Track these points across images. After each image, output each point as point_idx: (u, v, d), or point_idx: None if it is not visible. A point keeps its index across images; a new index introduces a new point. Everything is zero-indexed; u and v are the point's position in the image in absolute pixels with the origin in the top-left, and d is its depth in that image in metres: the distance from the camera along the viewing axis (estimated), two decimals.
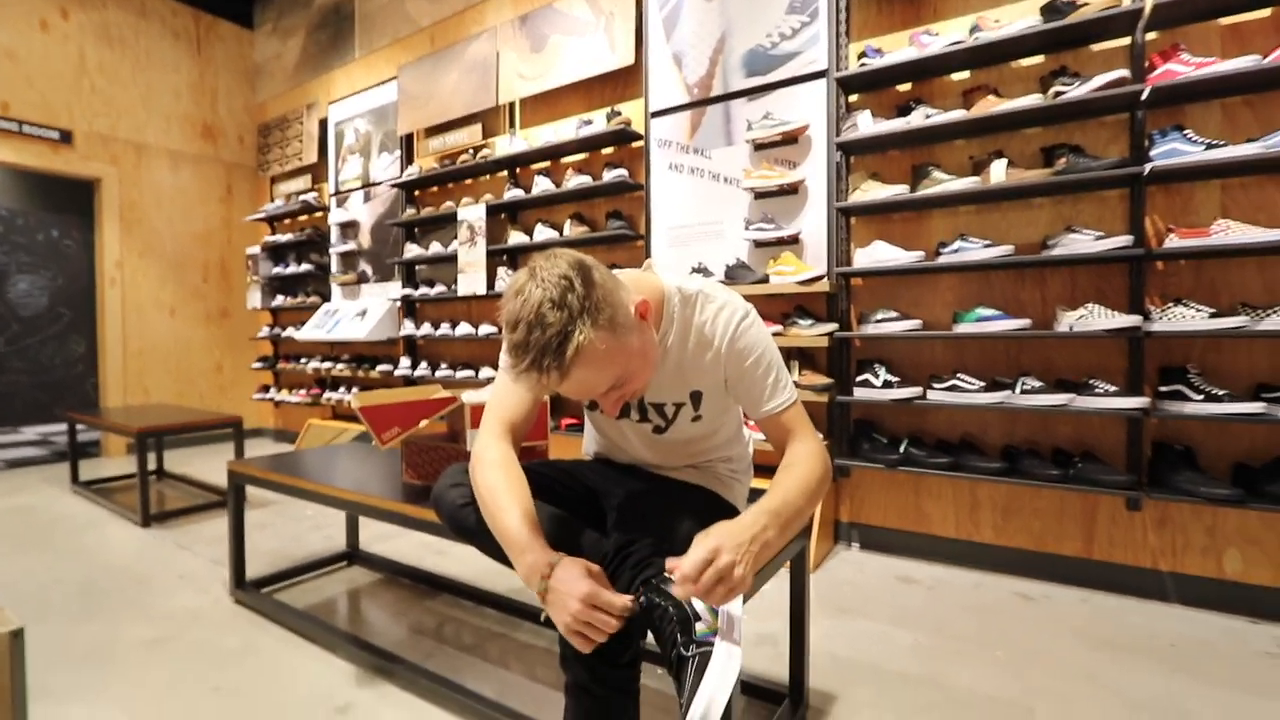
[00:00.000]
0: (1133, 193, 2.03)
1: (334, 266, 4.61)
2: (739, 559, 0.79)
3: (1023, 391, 2.07)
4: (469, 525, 1.06)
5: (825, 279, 2.49)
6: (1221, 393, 1.83)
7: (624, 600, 0.83)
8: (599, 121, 3.13)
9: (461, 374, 3.66)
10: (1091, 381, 2.01)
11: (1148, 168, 1.87)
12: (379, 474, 1.85)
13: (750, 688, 1.45)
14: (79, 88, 4.39)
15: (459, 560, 2.34)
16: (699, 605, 0.84)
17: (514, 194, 3.41)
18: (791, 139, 2.61)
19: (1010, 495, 2.26)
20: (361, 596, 2.10)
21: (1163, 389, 1.95)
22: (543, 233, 3.33)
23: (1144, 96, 1.91)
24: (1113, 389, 1.98)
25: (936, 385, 2.23)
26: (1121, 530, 2.09)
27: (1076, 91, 1.98)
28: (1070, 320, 2.02)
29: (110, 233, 4.53)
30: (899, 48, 2.37)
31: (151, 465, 3.80)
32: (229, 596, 2.05)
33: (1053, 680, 1.54)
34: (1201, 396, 1.85)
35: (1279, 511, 1.79)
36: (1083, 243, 2.00)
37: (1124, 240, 1.95)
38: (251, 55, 5.37)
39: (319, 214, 4.82)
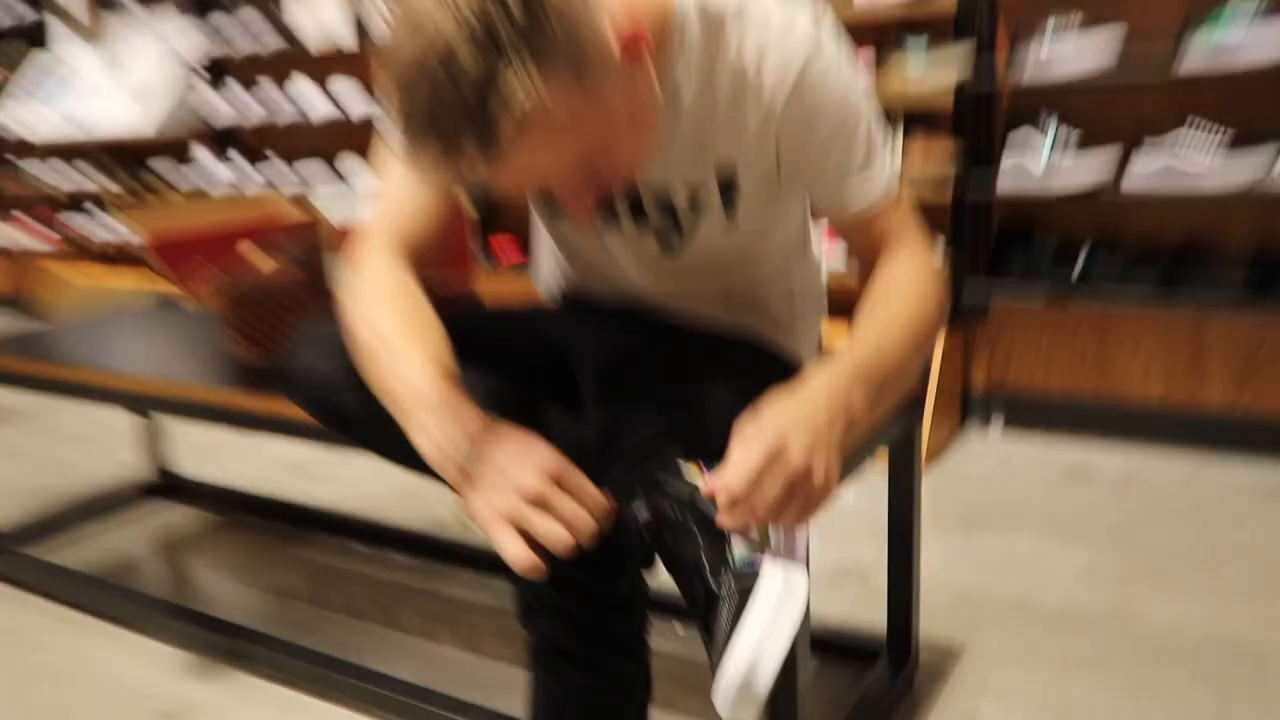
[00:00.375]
0: None
1: None
2: (816, 453, 0.79)
3: None
4: (353, 412, 1.07)
5: None
6: None
7: (602, 499, 0.84)
8: None
9: (310, 170, 3.69)
10: None
11: None
12: (192, 347, 1.87)
13: (824, 642, 1.55)
14: None
15: (342, 483, 2.44)
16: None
17: None
18: None
19: (1258, 334, 2.31)
20: (185, 546, 2.21)
21: None
22: None
23: None
24: None
25: (1142, 155, 2.22)
26: None
27: None
28: None
29: None
30: None
31: None
32: None
33: None
34: None
35: None
36: None
37: None
38: None
39: None
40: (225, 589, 2.01)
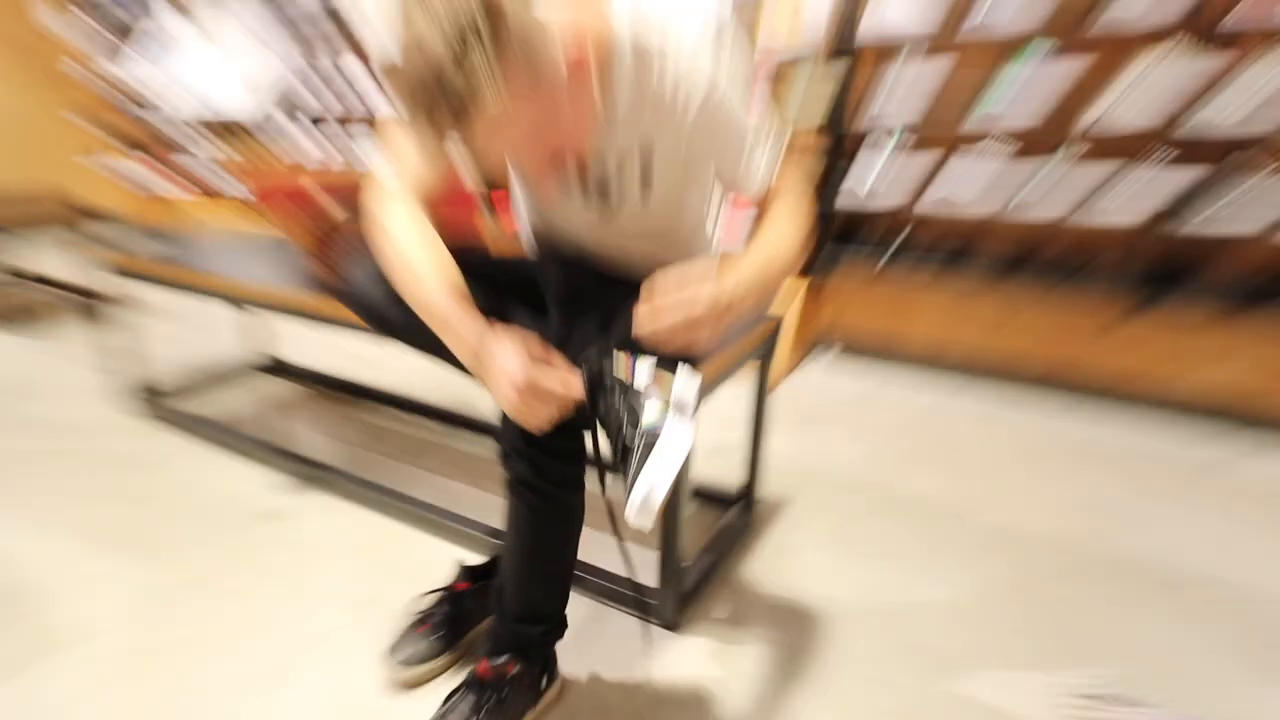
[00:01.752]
0: None
1: None
2: (712, 312, 0.86)
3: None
4: (388, 319, 1.09)
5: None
6: None
7: (567, 381, 0.88)
8: None
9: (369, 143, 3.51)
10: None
11: None
12: (287, 269, 1.87)
13: (699, 494, 1.67)
14: None
15: (394, 371, 2.49)
16: (651, 389, 0.89)
17: None
18: None
19: (1005, 302, 2.42)
20: (284, 408, 2.26)
21: None
22: None
23: None
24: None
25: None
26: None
27: None
28: None
29: None
30: None
31: None
32: (131, 406, 2.18)
33: (992, 483, 1.83)
34: None
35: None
36: None
37: None
38: None
39: None
40: (307, 437, 2.06)
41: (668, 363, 0.92)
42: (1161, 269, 2.17)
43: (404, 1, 0.75)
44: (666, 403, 0.89)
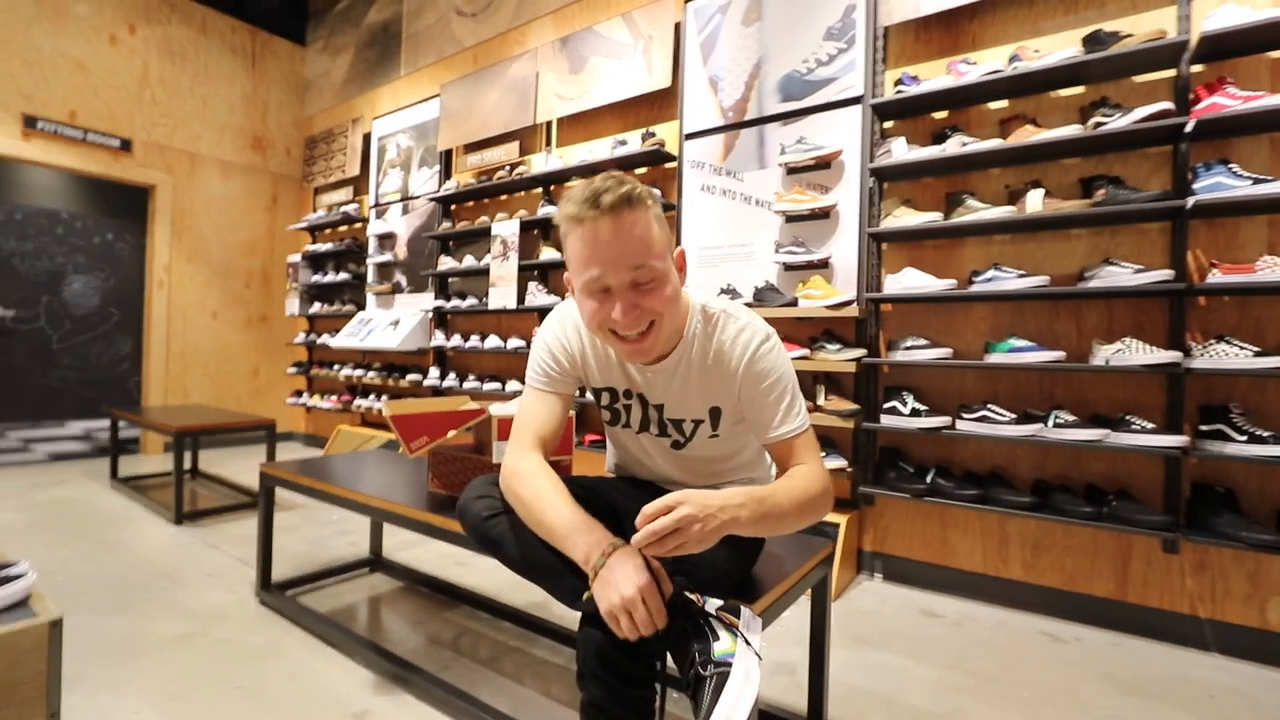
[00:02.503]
0: (1174, 226, 1.99)
1: (370, 276, 4.72)
2: (702, 518, 0.82)
3: (1055, 425, 2.02)
4: (493, 536, 1.07)
5: (854, 304, 2.47)
6: (1266, 434, 1.76)
7: (664, 612, 0.84)
8: (634, 142, 3.18)
9: (489, 386, 3.71)
10: (1128, 418, 1.96)
11: (1191, 201, 1.83)
12: (405, 482, 1.88)
13: (767, 715, 1.43)
14: (141, 99, 4.60)
15: (480, 573, 2.35)
16: (719, 625, 0.84)
17: (547, 210, 3.47)
18: (825, 164, 2.62)
19: (1041, 531, 2.19)
20: (382, 603, 2.12)
21: (1203, 428, 1.88)
22: None
23: (1188, 129, 1.87)
24: (1150, 426, 1.92)
25: (966, 415, 2.19)
26: (1157, 573, 2.01)
27: (1118, 123, 1.95)
28: (1107, 354, 1.97)
29: (161, 237, 4.72)
30: (936, 75, 2.37)
31: (187, 465, 3.90)
32: (254, 597, 2.09)
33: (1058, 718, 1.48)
34: (1245, 437, 1.78)
35: None
36: (1121, 275, 1.96)
37: (1164, 274, 1.90)
38: (302, 71, 5.58)
39: (358, 225, 4.95)
40: (402, 633, 1.90)
41: (733, 605, 0.88)
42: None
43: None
44: (735, 635, 0.83)
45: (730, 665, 0.80)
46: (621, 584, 0.82)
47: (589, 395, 1.21)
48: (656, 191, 0.94)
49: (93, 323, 4.54)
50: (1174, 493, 1.96)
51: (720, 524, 0.84)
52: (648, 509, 0.83)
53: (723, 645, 0.82)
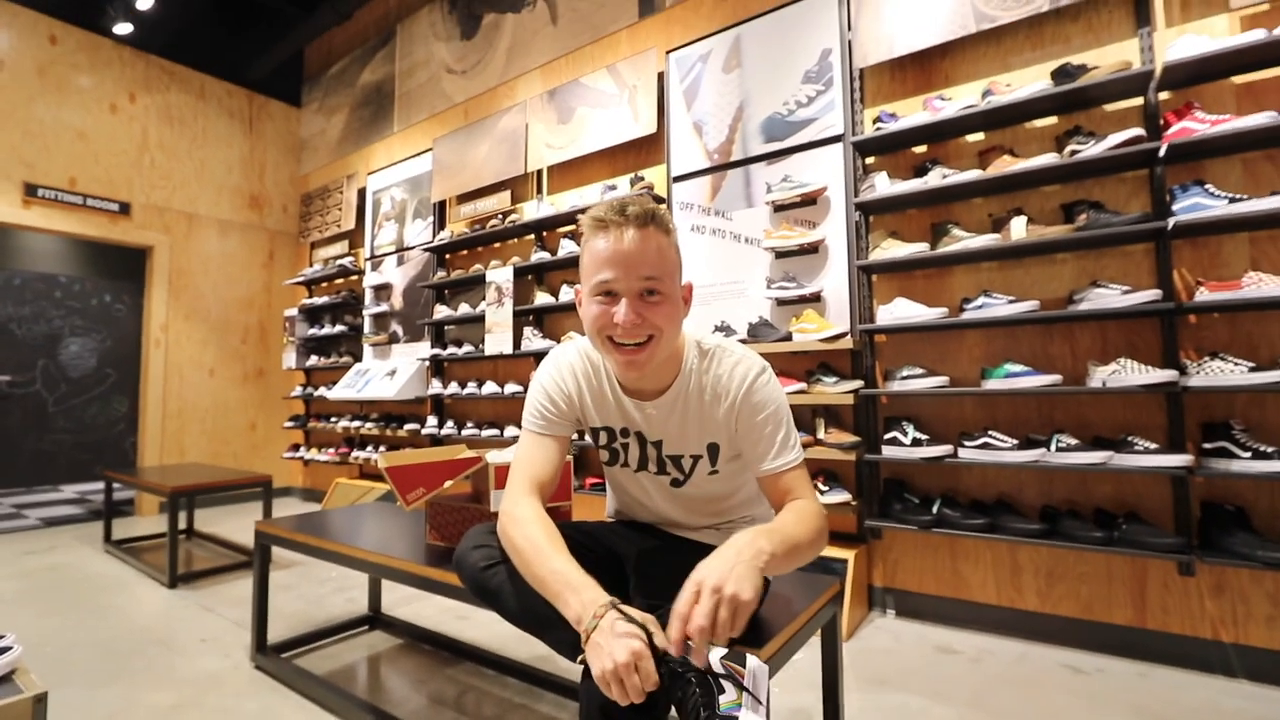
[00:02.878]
0: (1158, 247, 2.02)
1: (367, 327, 4.74)
2: (726, 582, 0.80)
3: (1058, 449, 2.00)
4: (491, 588, 1.04)
5: (848, 336, 2.48)
6: (1270, 450, 1.74)
7: (655, 678, 0.80)
8: (623, 186, 3.24)
9: (487, 433, 3.68)
10: (1130, 439, 1.94)
11: (1171, 222, 1.86)
12: (403, 535, 1.84)
13: None
14: (140, 163, 4.70)
15: (481, 626, 2.29)
16: (724, 676, 0.81)
17: (540, 256, 3.51)
18: (810, 200, 2.66)
19: (1053, 559, 2.15)
20: (382, 663, 2.05)
21: (1207, 446, 1.87)
22: (568, 294, 3.40)
23: (1161, 153, 1.92)
24: (1153, 446, 1.90)
25: (967, 443, 2.17)
26: (1175, 597, 1.96)
27: (1092, 150, 2.00)
28: (1103, 375, 1.97)
29: (158, 297, 4.75)
30: (913, 112, 2.44)
31: (182, 524, 3.84)
32: (250, 661, 2.02)
33: None
34: (1249, 454, 1.77)
35: None
36: (1110, 297, 1.97)
37: (1152, 294, 1.92)
38: (298, 131, 5.73)
39: (354, 277, 5.00)
40: (404, 693, 1.84)
41: (738, 654, 0.84)
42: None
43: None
44: (741, 690, 0.79)
45: (737, 718, 0.77)
46: (615, 650, 0.78)
47: (587, 438, 1.20)
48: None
49: (89, 384, 4.53)
50: (1184, 513, 1.93)
51: (749, 568, 0.82)
52: (679, 608, 0.80)
53: (728, 698, 0.78)
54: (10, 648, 1.17)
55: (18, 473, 4.21)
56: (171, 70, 4.90)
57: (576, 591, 0.87)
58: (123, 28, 4.45)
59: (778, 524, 0.94)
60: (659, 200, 3.15)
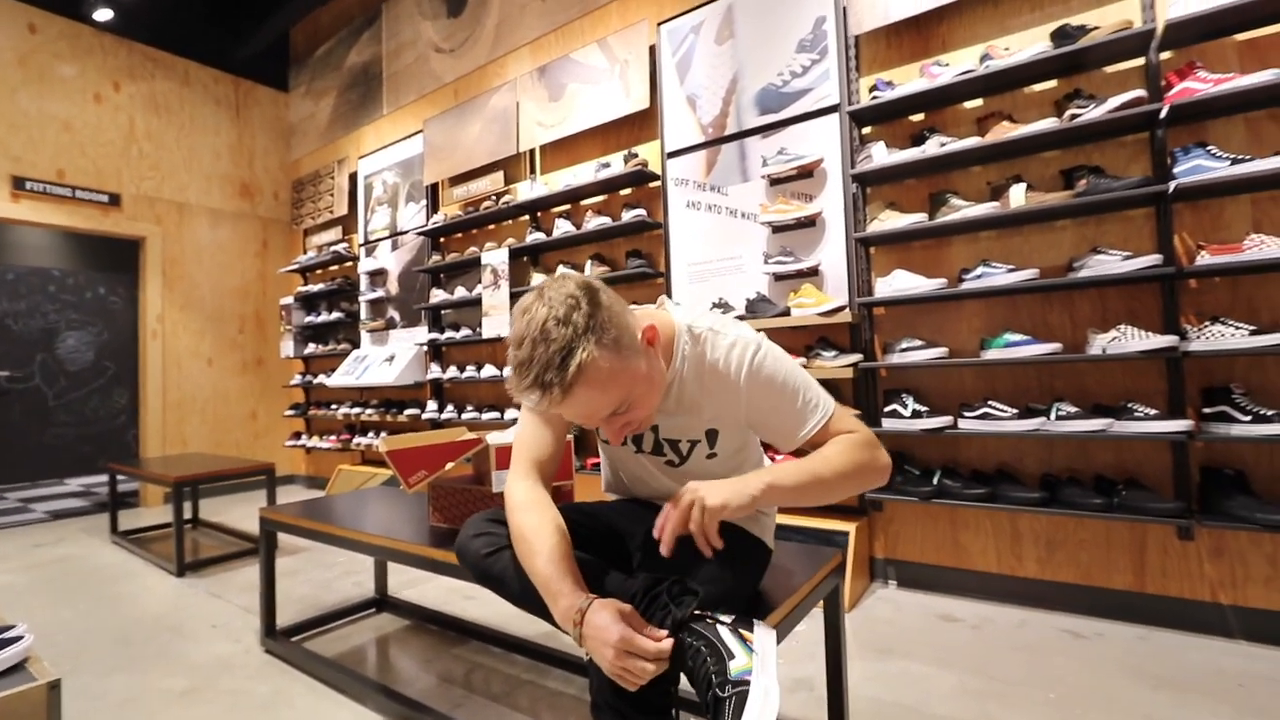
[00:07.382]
0: (1159, 211, 2.00)
1: (363, 314, 4.73)
2: (701, 490, 0.88)
3: (1058, 417, 2.01)
4: (494, 574, 1.05)
5: (847, 309, 2.47)
6: (1270, 413, 1.75)
7: (658, 645, 0.81)
8: (616, 164, 3.21)
9: (488, 415, 3.69)
10: (1130, 405, 1.95)
11: (1172, 185, 1.85)
12: (406, 518, 1.86)
13: None
14: (128, 153, 4.65)
15: (487, 604, 2.32)
16: (732, 643, 0.82)
17: (535, 237, 3.49)
18: (807, 173, 2.64)
19: (1053, 526, 2.17)
20: (390, 644, 2.08)
21: (1207, 411, 1.87)
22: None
23: (1163, 115, 1.89)
24: (1153, 412, 1.91)
25: (967, 414, 2.18)
26: (1175, 561, 1.98)
27: (1093, 113, 1.97)
28: (1103, 342, 1.97)
29: (153, 288, 4.73)
30: (910, 79, 2.40)
31: (187, 514, 3.87)
32: (260, 645, 2.05)
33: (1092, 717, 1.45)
34: (1249, 417, 1.77)
35: None
36: (1110, 263, 1.96)
37: (1153, 259, 1.91)
38: (286, 116, 5.65)
39: (349, 263, 4.98)
40: (412, 672, 1.87)
41: (745, 620, 0.86)
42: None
43: (524, 298, 0.88)
44: (751, 652, 0.81)
45: (748, 683, 0.78)
46: (603, 653, 0.81)
47: None
48: (609, 320, 0.89)
49: (88, 378, 4.54)
50: (1184, 478, 1.94)
51: (734, 489, 0.88)
52: (664, 511, 0.89)
53: (739, 663, 0.80)
54: (22, 637, 1.18)
55: (22, 467, 4.24)
56: (155, 57, 4.83)
57: (561, 596, 0.88)
58: (103, 14, 4.37)
59: (806, 459, 0.95)
60: (652, 178, 3.12)
